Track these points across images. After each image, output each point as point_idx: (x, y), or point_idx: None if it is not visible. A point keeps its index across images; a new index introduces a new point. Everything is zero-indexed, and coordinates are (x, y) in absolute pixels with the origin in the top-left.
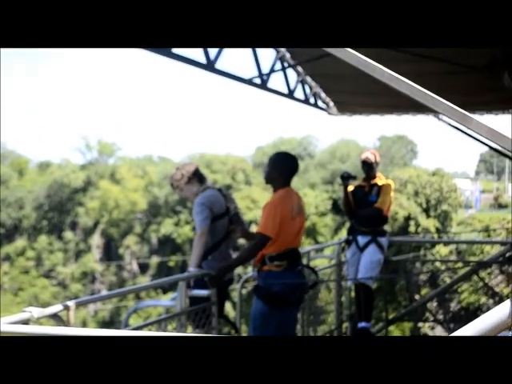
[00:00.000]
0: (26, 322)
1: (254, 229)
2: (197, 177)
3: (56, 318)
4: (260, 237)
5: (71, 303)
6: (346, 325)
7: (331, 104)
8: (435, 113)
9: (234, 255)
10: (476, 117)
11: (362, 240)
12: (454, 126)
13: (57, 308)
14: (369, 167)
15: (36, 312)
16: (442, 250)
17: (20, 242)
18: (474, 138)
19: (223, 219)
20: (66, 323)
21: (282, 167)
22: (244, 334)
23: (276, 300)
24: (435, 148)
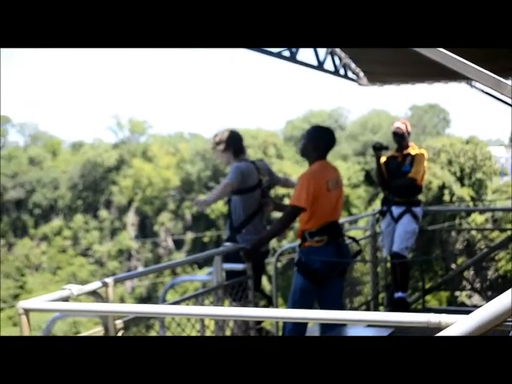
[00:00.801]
0: (66, 300)
1: (286, 201)
2: (233, 147)
3: (95, 295)
4: (292, 208)
5: (109, 280)
6: (382, 295)
7: (361, 74)
8: (468, 80)
9: (268, 228)
10: (510, 82)
11: (396, 210)
12: (487, 93)
13: (96, 285)
14: (400, 138)
15: (75, 289)
16: (477, 219)
17: (56, 222)
18: (509, 104)
19: (255, 191)
20: (104, 300)
21: (316, 141)
22: (280, 308)
23: (317, 277)
24: (468, 116)
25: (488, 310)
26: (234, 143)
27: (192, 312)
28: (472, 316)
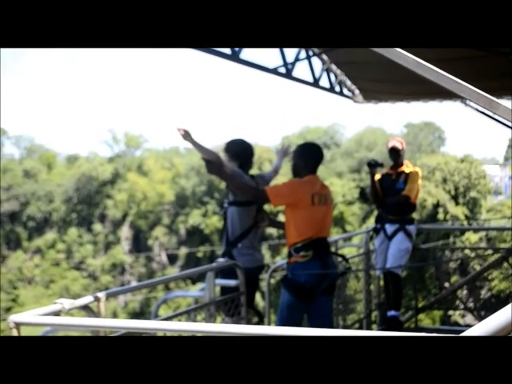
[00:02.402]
0: (57, 314)
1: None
2: (240, 160)
3: (87, 310)
4: (262, 191)
5: (101, 294)
6: (375, 313)
7: (357, 92)
8: (462, 99)
9: (263, 244)
10: (503, 102)
11: (389, 228)
12: (481, 112)
13: (87, 299)
14: (396, 155)
15: (67, 304)
16: (471, 238)
17: (50, 235)
18: (502, 123)
19: (252, 206)
20: (96, 314)
21: (306, 158)
22: (272, 325)
23: (302, 291)
24: (463, 134)
25: (480, 330)
26: (242, 156)
27: (183, 328)
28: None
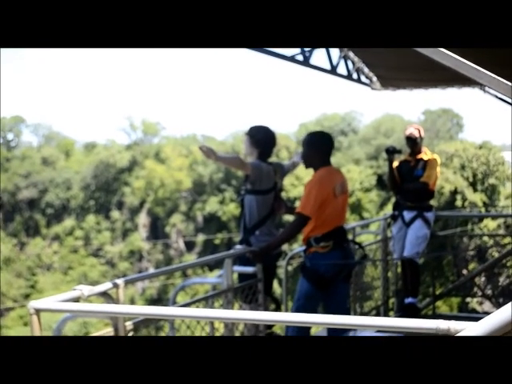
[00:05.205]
0: (76, 300)
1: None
2: (261, 148)
3: (105, 296)
4: (299, 217)
5: (120, 281)
6: (392, 300)
7: (374, 79)
8: (481, 85)
9: (279, 231)
10: None
11: (407, 215)
12: (500, 98)
13: (106, 286)
14: (413, 143)
15: (86, 290)
16: (489, 224)
17: (68, 222)
18: None
19: (270, 194)
20: (115, 301)
21: (316, 147)
22: (289, 312)
23: (322, 282)
24: (482, 121)
25: (498, 317)
26: (265, 145)
27: (201, 314)
28: (481, 323)
